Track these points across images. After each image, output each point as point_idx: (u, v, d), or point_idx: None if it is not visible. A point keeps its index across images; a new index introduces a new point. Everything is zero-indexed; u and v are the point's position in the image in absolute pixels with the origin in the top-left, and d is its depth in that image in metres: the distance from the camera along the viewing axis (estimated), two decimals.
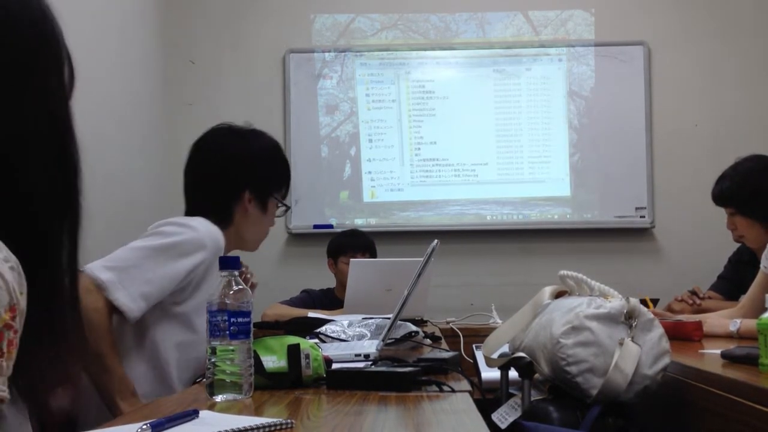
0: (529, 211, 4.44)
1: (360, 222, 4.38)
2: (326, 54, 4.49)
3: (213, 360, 1.32)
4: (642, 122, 4.44)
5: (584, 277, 1.79)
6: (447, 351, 1.99)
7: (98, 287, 1.73)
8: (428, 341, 2.14)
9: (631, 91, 4.46)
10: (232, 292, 1.33)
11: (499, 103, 4.49)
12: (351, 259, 3.13)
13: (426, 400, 1.33)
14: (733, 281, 3.24)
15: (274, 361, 1.44)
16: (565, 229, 4.43)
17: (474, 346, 2.49)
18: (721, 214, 2.97)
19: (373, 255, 3.60)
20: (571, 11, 4.53)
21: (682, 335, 2.25)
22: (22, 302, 0.78)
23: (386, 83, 4.50)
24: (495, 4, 4.54)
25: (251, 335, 1.36)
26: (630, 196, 4.43)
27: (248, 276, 2.07)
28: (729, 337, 2.25)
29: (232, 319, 1.32)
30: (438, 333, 2.39)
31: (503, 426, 1.72)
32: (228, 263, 1.37)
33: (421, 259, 1.85)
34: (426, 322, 2.91)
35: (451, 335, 3.10)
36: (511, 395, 1.83)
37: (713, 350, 1.93)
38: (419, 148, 4.47)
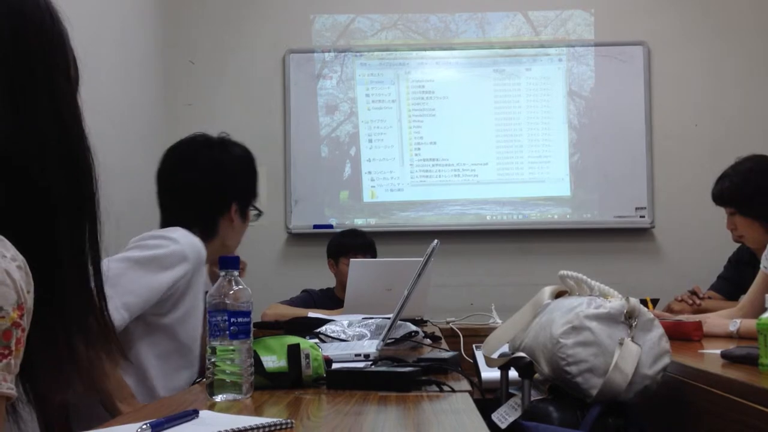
0: (528, 211, 4.44)
1: (360, 222, 4.38)
2: (326, 54, 4.49)
3: (213, 360, 1.32)
4: (642, 122, 4.44)
5: (584, 277, 1.79)
6: (447, 351, 1.99)
7: None
8: (428, 341, 2.14)
9: (631, 91, 4.46)
10: (232, 292, 1.33)
11: (498, 103, 4.49)
12: (351, 259, 3.13)
13: (426, 400, 1.33)
14: (733, 281, 3.24)
15: (274, 361, 1.44)
16: (565, 229, 4.43)
17: (474, 346, 2.49)
18: (721, 214, 2.97)
19: (374, 255, 3.60)
20: (571, 11, 4.52)
21: (682, 335, 2.25)
22: (30, 301, 0.79)
23: (386, 83, 4.50)
24: (495, 4, 4.54)
25: (251, 335, 1.36)
26: (630, 196, 4.43)
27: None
28: (729, 337, 2.25)
29: (232, 319, 1.32)
30: (438, 333, 2.39)
31: (503, 426, 1.72)
32: (228, 263, 1.37)
33: (421, 259, 1.85)
34: (426, 322, 2.91)
35: (451, 335, 3.10)
36: (511, 395, 1.83)
37: (713, 350, 1.93)
38: (419, 148, 4.47)
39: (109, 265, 1.78)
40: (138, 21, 3.99)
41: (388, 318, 1.86)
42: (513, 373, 1.83)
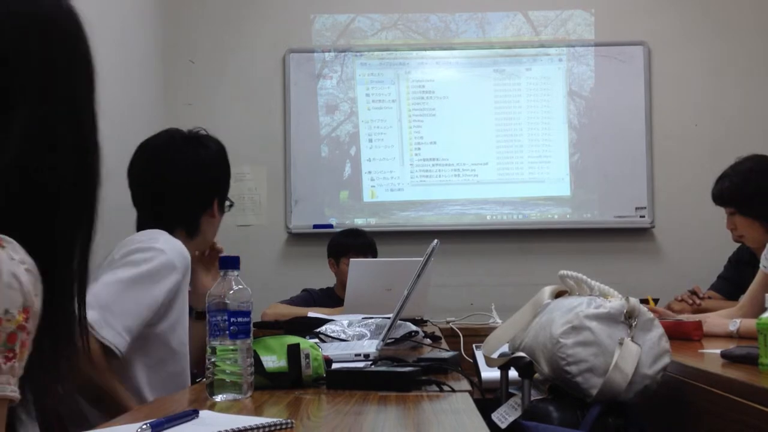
0: (528, 210, 4.44)
1: (360, 222, 4.38)
2: (326, 54, 4.49)
3: (213, 360, 1.32)
4: (642, 122, 4.44)
5: (584, 277, 1.79)
6: (447, 351, 1.99)
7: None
8: (428, 341, 2.15)
9: (631, 91, 4.46)
10: (232, 292, 1.33)
11: (499, 103, 4.49)
12: (351, 259, 3.13)
13: (426, 400, 1.33)
14: (732, 281, 3.24)
15: (274, 360, 1.44)
16: (565, 228, 4.43)
17: (474, 345, 2.49)
18: (721, 214, 2.97)
19: (375, 255, 3.60)
20: (571, 11, 4.52)
21: (682, 335, 2.25)
22: (37, 304, 0.78)
23: (386, 83, 4.50)
24: (495, 4, 4.54)
25: (251, 335, 1.36)
26: (630, 196, 4.43)
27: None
28: (729, 336, 2.25)
29: (232, 319, 1.32)
30: (438, 333, 2.39)
31: (503, 426, 1.72)
32: (228, 263, 1.37)
33: (421, 259, 1.85)
34: (426, 321, 2.91)
35: (451, 335, 3.10)
36: (511, 395, 1.83)
37: (713, 350, 1.93)
38: (419, 148, 4.47)
39: (101, 289, 1.74)
40: (138, 21, 3.99)
41: (388, 318, 1.86)
42: (513, 373, 1.83)
